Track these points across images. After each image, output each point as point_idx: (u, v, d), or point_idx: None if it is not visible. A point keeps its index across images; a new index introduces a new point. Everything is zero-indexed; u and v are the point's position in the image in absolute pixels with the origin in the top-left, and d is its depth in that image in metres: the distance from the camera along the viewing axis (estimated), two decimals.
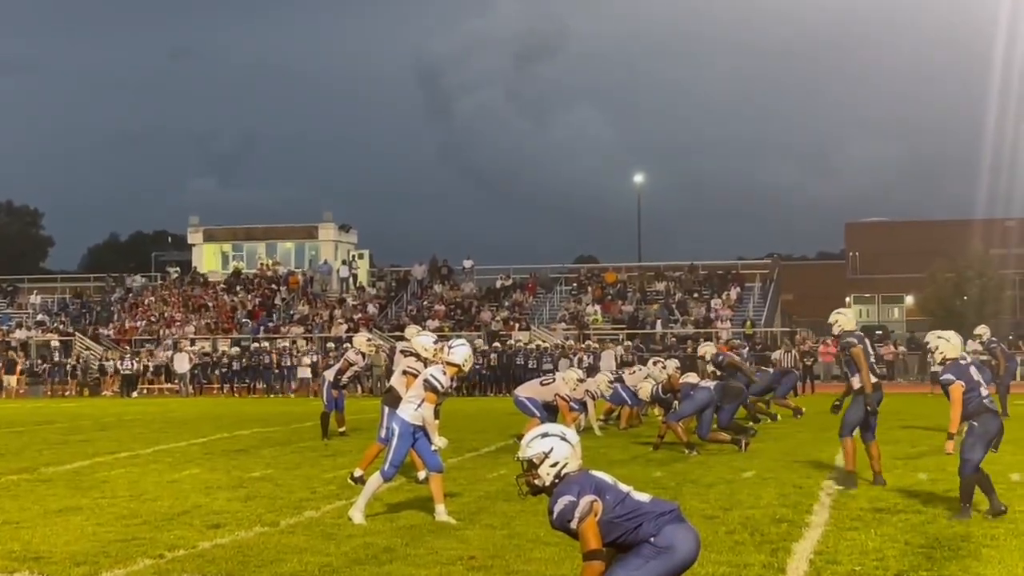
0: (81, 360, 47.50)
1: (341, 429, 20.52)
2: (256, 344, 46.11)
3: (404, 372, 13.69)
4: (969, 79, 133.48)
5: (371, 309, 52.47)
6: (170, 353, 46.50)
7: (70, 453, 18.25)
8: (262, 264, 59.42)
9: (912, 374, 43.26)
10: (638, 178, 66.48)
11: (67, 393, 45.60)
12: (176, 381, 44.64)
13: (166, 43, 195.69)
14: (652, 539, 6.24)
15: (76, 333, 52.15)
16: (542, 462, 6.51)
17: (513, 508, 11.22)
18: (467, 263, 56.57)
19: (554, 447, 6.53)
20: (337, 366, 20.92)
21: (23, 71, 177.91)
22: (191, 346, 47.76)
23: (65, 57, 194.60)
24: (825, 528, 10.27)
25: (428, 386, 11.09)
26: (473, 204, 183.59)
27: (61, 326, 53.67)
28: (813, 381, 37.94)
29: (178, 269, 60.66)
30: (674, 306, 49.76)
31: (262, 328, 51.04)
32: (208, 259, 61.84)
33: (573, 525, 6.27)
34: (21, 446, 19.85)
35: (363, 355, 20.91)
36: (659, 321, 48.37)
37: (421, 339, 13.58)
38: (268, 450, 18.47)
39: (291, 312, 53.24)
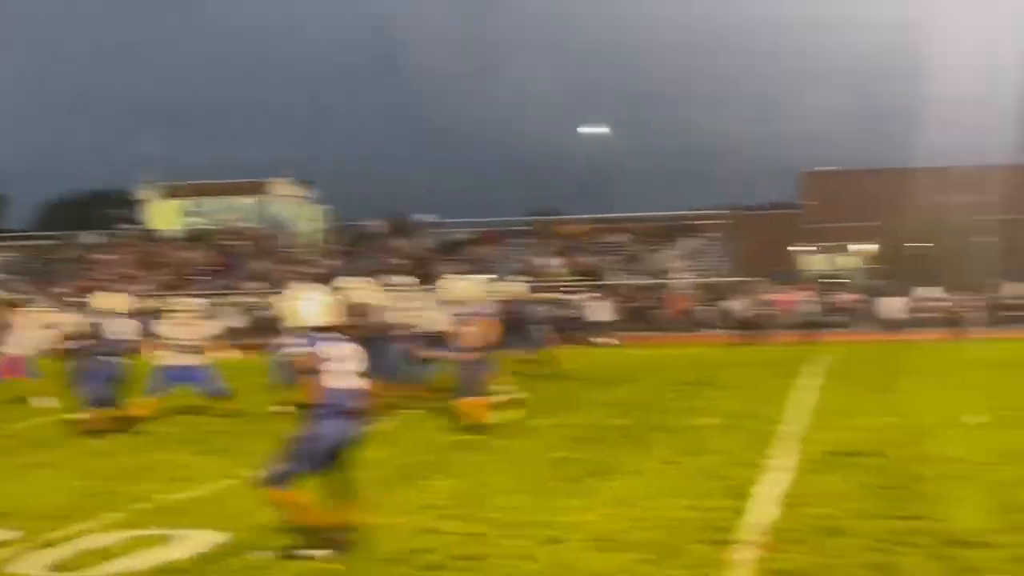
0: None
1: None
2: (215, 302, 45.74)
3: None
4: (915, 24, 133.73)
5: (330, 264, 52.27)
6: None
7: None
8: (219, 220, 58.97)
9: (869, 322, 43.50)
10: (593, 130, 66.12)
11: None
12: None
13: None
14: None
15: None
16: None
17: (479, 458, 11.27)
18: (426, 217, 56.48)
19: None
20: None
21: None
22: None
23: (16, 17, 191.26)
24: (793, 473, 10.39)
25: None
26: (430, 160, 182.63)
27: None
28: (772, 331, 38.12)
29: (135, 226, 60.01)
30: (631, 258, 49.92)
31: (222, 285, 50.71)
32: (164, 216, 61.25)
33: None
34: None
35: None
36: (615, 273, 48.55)
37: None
38: None
39: (250, 268, 52.92)
